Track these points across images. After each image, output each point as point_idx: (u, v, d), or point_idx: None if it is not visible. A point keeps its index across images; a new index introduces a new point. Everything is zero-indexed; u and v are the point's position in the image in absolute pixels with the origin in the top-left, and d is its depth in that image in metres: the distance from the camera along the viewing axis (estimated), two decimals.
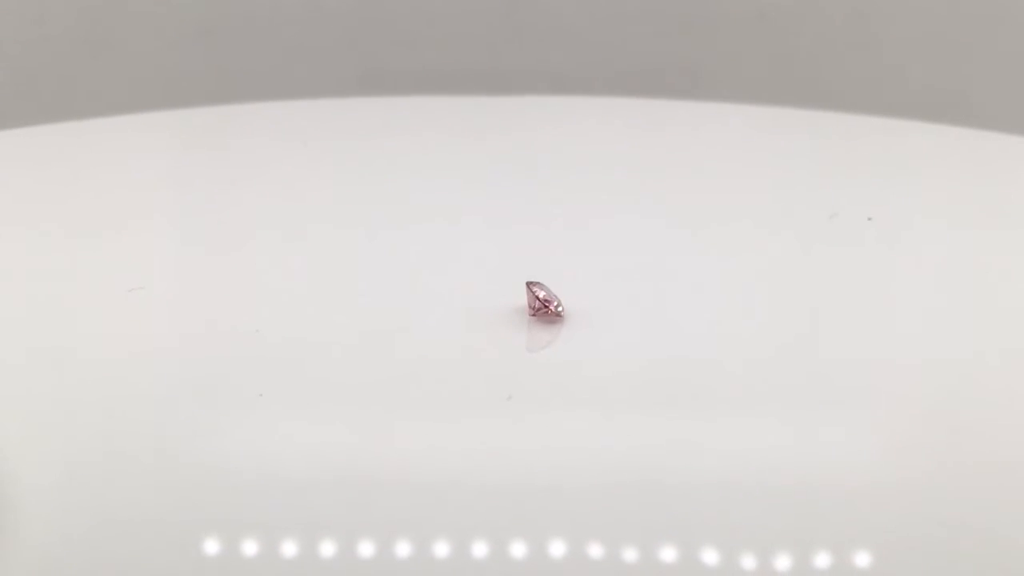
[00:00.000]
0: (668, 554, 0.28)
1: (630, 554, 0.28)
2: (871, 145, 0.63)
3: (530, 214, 0.51)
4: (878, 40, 0.95)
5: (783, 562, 0.28)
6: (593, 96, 0.76)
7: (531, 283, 0.39)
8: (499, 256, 0.45)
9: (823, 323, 0.40)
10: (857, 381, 0.36)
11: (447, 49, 0.94)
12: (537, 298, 0.38)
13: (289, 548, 0.28)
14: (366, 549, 0.28)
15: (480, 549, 0.28)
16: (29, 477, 0.30)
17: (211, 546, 0.28)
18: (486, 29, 0.94)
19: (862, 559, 0.29)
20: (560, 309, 0.39)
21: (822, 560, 0.29)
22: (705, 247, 0.47)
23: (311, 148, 0.61)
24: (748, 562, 0.28)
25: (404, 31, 0.95)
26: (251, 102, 0.70)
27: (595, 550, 0.28)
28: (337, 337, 0.38)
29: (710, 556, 0.28)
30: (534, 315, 0.38)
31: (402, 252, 0.45)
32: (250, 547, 0.28)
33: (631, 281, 0.43)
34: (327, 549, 0.28)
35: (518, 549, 0.28)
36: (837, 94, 0.92)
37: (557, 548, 0.28)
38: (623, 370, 0.36)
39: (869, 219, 0.43)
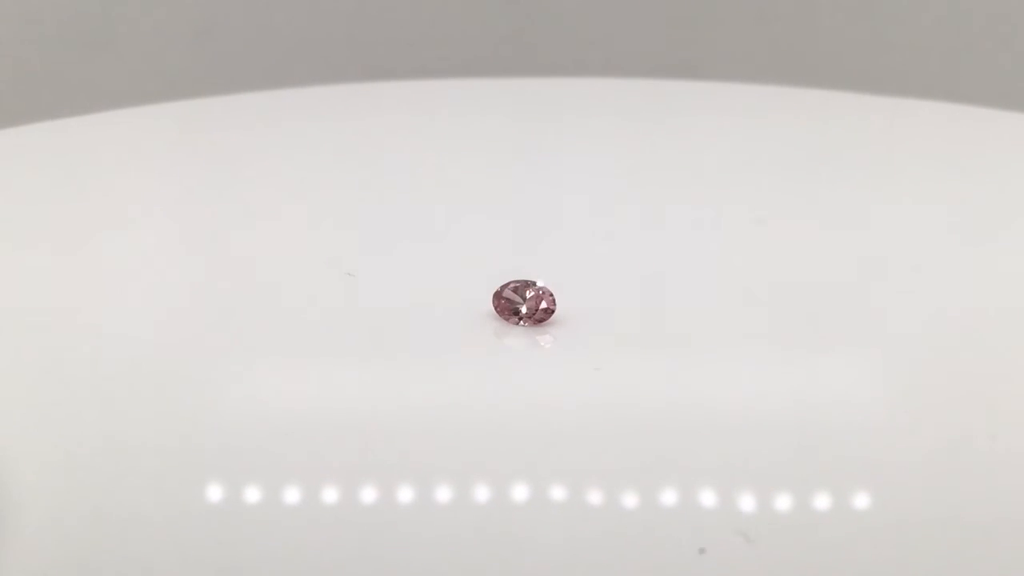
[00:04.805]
0: (669, 497, 0.29)
1: (631, 499, 0.29)
2: (870, 123, 0.63)
3: (529, 196, 0.51)
4: (877, 19, 0.95)
5: (784, 503, 0.29)
6: (591, 77, 0.77)
7: (500, 294, 0.37)
8: (498, 239, 0.46)
9: (823, 291, 0.40)
10: (858, 338, 0.37)
11: (446, 32, 0.94)
12: (502, 299, 0.37)
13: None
14: (369, 495, 0.29)
15: (482, 493, 0.29)
16: (29, 476, 0.31)
17: (215, 495, 0.29)
18: (485, 11, 0.94)
19: (862, 500, 0.29)
20: (520, 320, 0.37)
21: (823, 500, 0.29)
22: (701, 222, 0.47)
23: (313, 135, 0.61)
24: (748, 503, 0.29)
25: (401, 14, 0.95)
26: (246, 92, 0.70)
27: (595, 496, 0.29)
28: (337, 317, 0.38)
29: (709, 497, 0.29)
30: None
31: (402, 237, 0.45)
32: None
33: (631, 258, 0.43)
34: (330, 496, 0.29)
35: (520, 493, 0.29)
36: (839, 74, 0.92)
37: (558, 492, 0.29)
38: (623, 331, 0.37)
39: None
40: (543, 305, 0.37)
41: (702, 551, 0.27)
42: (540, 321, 0.37)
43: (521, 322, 0.37)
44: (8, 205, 0.50)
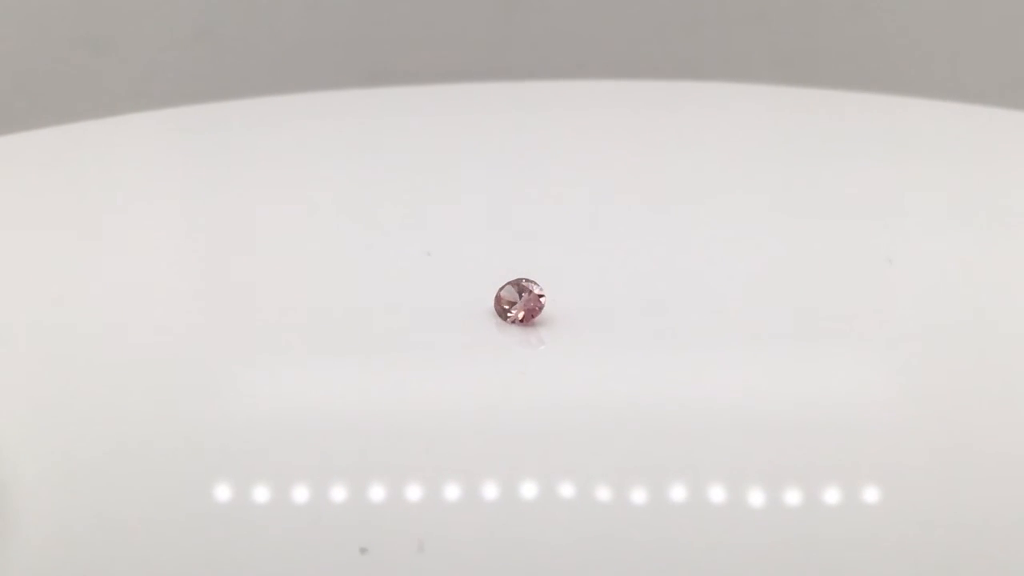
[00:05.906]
0: (678, 492, 0.29)
1: (640, 494, 0.29)
2: (870, 122, 0.63)
3: (531, 197, 0.51)
4: (877, 19, 0.95)
5: (793, 497, 0.29)
6: (592, 79, 0.76)
7: (498, 293, 0.38)
8: (500, 240, 0.46)
9: (822, 290, 0.40)
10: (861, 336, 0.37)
11: (446, 36, 0.94)
12: (503, 300, 0.38)
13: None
14: (377, 494, 0.29)
15: (491, 491, 0.29)
16: (31, 477, 0.31)
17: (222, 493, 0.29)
18: (483, 14, 0.94)
19: (871, 494, 0.29)
20: (511, 319, 0.37)
21: (832, 495, 0.29)
22: (702, 220, 0.47)
23: (316, 139, 0.61)
24: (757, 498, 0.29)
25: (402, 18, 0.95)
26: (248, 97, 0.70)
27: (604, 492, 0.29)
28: (337, 317, 0.38)
29: (717, 493, 0.29)
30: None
31: (403, 238, 0.45)
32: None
33: (631, 258, 0.43)
34: (338, 495, 0.29)
35: (529, 490, 0.29)
36: (839, 74, 0.92)
37: (567, 489, 0.29)
38: (623, 330, 0.37)
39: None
40: (530, 305, 0.37)
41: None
42: (530, 319, 0.37)
43: (511, 319, 0.37)
44: (10, 210, 0.50)
